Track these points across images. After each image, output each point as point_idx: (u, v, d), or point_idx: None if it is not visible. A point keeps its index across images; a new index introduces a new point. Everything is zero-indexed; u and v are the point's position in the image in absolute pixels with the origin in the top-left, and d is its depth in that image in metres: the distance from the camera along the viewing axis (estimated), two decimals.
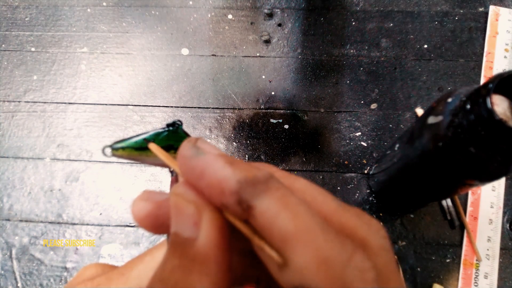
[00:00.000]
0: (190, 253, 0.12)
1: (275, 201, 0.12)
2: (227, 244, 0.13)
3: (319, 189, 0.14)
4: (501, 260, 0.44)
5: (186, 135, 0.18)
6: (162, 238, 0.47)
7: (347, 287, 0.11)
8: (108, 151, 0.16)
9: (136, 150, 0.17)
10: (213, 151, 0.13)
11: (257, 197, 0.12)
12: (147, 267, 0.26)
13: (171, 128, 0.17)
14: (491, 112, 0.23)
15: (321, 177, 0.48)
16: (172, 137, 0.17)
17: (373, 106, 0.50)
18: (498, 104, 0.26)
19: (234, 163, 0.13)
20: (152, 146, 0.17)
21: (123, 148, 0.17)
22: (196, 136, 0.14)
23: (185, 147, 0.13)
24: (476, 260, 0.44)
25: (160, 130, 0.17)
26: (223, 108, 0.51)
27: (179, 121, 0.18)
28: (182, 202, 0.13)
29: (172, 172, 0.18)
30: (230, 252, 0.13)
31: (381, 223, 0.14)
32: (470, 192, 0.46)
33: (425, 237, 0.45)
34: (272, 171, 0.14)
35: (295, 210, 0.12)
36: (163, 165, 0.18)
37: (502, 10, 0.52)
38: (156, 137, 0.17)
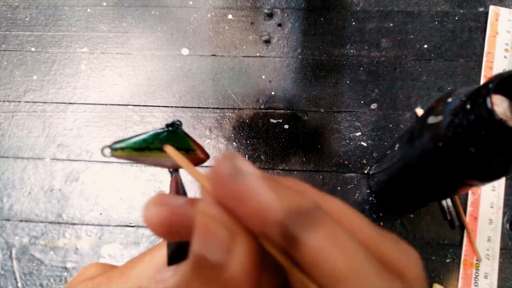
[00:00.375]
0: (219, 279, 0.11)
1: (325, 236, 0.11)
2: (259, 271, 0.12)
3: (354, 212, 0.13)
4: (501, 260, 0.44)
5: (185, 135, 0.18)
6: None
7: None
8: (107, 151, 0.16)
9: (135, 151, 0.17)
10: (254, 172, 0.12)
11: (305, 230, 0.11)
12: (147, 267, 0.26)
13: (170, 128, 0.17)
14: (491, 112, 0.23)
15: (321, 177, 0.48)
16: (171, 138, 0.17)
17: (373, 106, 0.50)
18: (498, 104, 0.26)
19: (277, 188, 0.12)
20: (169, 150, 0.16)
21: (122, 149, 0.16)
22: (230, 152, 0.13)
23: (222, 165, 0.12)
24: (476, 260, 0.44)
25: (159, 131, 0.17)
26: (223, 108, 0.51)
27: (179, 121, 0.17)
28: (213, 224, 0.12)
29: (171, 172, 0.18)
30: (260, 278, 0.12)
31: (416, 252, 0.14)
32: (470, 192, 0.46)
33: (425, 237, 0.45)
34: (305, 189, 0.13)
35: (348, 248, 0.11)
36: (162, 165, 0.18)
37: (502, 10, 0.52)
38: (155, 138, 0.17)
